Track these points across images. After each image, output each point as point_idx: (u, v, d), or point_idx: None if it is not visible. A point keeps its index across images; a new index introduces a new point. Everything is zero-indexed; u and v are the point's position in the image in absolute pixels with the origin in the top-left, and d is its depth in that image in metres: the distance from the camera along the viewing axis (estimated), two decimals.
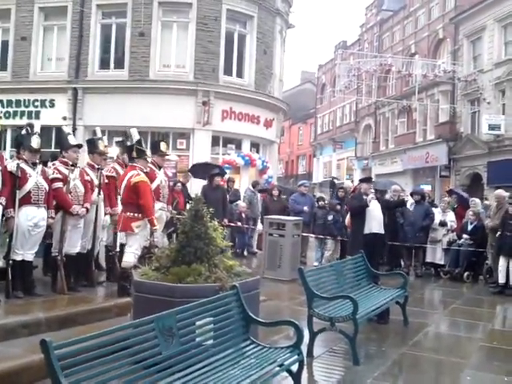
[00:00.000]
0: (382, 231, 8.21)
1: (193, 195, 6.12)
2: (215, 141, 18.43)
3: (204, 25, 18.03)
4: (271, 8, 20.09)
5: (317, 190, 31.94)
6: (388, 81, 34.91)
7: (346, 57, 33.51)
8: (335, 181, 17.66)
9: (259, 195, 13.96)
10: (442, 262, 11.14)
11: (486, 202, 13.44)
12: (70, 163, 6.81)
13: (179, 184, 11.88)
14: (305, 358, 4.41)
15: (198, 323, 3.88)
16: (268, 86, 20.15)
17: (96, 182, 7.20)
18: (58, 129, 9.67)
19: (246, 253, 13.02)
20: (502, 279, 9.39)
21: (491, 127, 23.45)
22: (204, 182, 12.37)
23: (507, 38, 24.21)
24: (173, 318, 3.60)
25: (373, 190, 8.61)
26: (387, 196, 10.31)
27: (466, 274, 10.62)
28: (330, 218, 11.46)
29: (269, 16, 20.09)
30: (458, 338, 6.64)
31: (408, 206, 11.60)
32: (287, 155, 54.88)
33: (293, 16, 23.15)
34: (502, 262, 9.48)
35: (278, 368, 3.90)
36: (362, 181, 9.45)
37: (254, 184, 14.21)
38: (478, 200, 11.97)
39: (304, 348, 4.60)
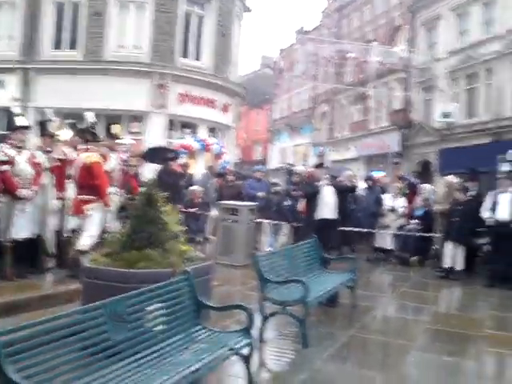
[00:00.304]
0: (334, 217, 8.37)
1: (146, 180, 6.09)
2: (171, 125, 18.24)
3: (161, 5, 17.74)
4: None
5: (272, 176, 32.06)
6: (344, 67, 35.23)
7: (305, 42, 33.59)
8: (290, 167, 17.78)
9: (214, 180, 13.94)
10: (391, 247, 11.42)
11: (433, 187, 13.80)
12: (18, 145, 6.65)
13: (133, 168, 11.72)
14: (256, 342, 4.48)
15: (148, 309, 3.88)
16: (226, 70, 20.04)
17: (46, 165, 7.05)
18: (6, 110, 9.40)
19: (199, 238, 13.01)
20: (447, 264, 9.70)
21: (444, 115, 24.05)
22: (159, 167, 12.24)
23: (462, 27, 24.71)
24: (122, 304, 3.58)
25: (327, 176, 8.76)
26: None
27: (414, 258, 10.94)
28: (286, 203, 11.57)
29: None
30: (405, 320, 6.85)
31: (361, 192, 11.83)
32: (243, 140, 54.81)
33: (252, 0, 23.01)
34: (448, 245, 9.80)
35: (228, 352, 3.94)
36: (315, 167, 9.59)
37: (209, 169, 14.16)
38: (427, 186, 12.31)
39: (255, 332, 4.67)
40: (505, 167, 15.84)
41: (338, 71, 35.42)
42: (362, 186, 12.36)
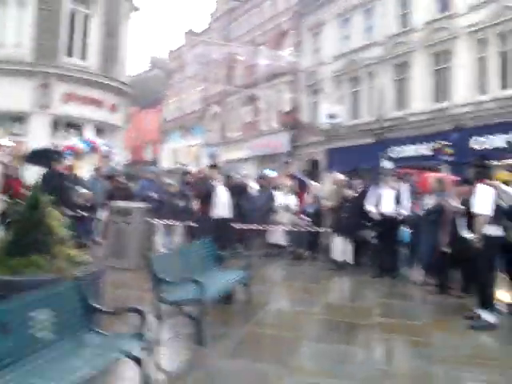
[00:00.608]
0: (229, 215, 8.43)
1: (31, 183, 5.77)
2: (55, 125, 17.44)
3: (44, 2, 16.89)
4: None
5: (166, 177, 31.59)
6: (235, 70, 35.62)
7: (196, 44, 33.55)
8: (184, 167, 17.69)
9: (103, 182, 13.49)
10: (284, 243, 11.70)
11: (322, 185, 14.34)
12: None
13: (15, 171, 11.05)
14: (152, 344, 4.39)
15: (35, 316, 3.67)
16: (113, 70, 19.49)
17: None
18: None
19: (88, 242, 12.58)
20: (338, 257, 10.11)
21: (329, 116, 25.10)
22: (43, 169, 11.64)
23: (345, 32, 25.85)
24: (6, 312, 3.38)
25: (220, 176, 8.81)
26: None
27: (306, 253, 11.30)
28: (182, 203, 11.49)
29: None
30: (298, 313, 7.01)
31: (254, 190, 12.01)
32: (134, 141, 53.71)
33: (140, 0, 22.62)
34: (338, 240, 10.21)
35: (120, 355, 3.83)
36: (209, 167, 9.61)
37: (96, 170, 13.64)
38: (316, 184, 12.76)
39: (151, 334, 4.57)
40: (386, 164, 16.88)
41: (229, 73, 35.73)
42: (254, 185, 12.53)
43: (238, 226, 10.13)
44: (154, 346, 4.90)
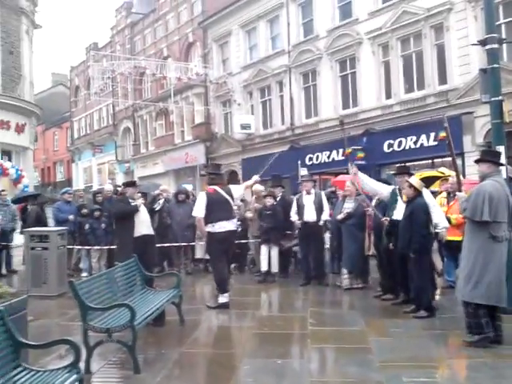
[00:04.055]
0: (152, 232, 8.24)
1: None
2: None
3: None
4: (14, 6, 18.61)
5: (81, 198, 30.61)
6: (143, 84, 35.12)
7: (99, 59, 32.77)
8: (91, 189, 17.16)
9: (13, 206, 12.79)
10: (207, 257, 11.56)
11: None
12: None
13: None
14: (83, 375, 4.17)
15: None
16: (17, 89, 18.66)
17: None
18: None
19: (3, 271, 11.91)
20: (264, 267, 10.11)
21: (242, 127, 25.31)
22: None
23: (251, 42, 26.21)
24: None
25: (139, 194, 8.57)
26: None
27: (232, 266, 11.21)
28: (87, 226, 11.12)
29: (12, 15, 18.62)
30: (233, 329, 6.95)
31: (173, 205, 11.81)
32: (43, 162, 51.63)
33: (40, 16, 21.88)
34: (263, 250, 10.23)
35: None
36: (127, 185, 9.30)
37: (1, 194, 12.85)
38: None
39: (82, 364, 4.36)
40: (303, 171, 17.19)
41: (137, 87, 35.14)
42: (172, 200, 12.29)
43: (161, 244, 9.91)
44: (86, 377, 4.69)
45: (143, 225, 8.11)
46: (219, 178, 8.50)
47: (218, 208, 7.81)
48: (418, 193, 7.02)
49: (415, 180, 7.21)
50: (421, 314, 6.83)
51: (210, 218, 7.81)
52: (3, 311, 3.97)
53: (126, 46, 37.43)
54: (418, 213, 6.86)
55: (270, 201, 10.34)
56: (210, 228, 7.84)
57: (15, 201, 13.14)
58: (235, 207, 11.67)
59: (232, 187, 8.39)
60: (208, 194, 8.01)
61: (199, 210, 7.92)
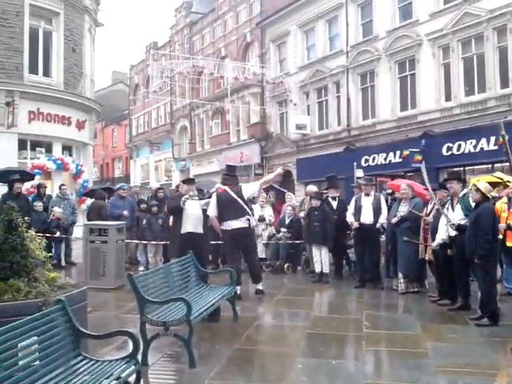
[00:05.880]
0: (199, 230, 8.34)
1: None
2: (22, 144, 17.10)
3: (4, 20, 16.63)
4: (78, 5, 19.20)
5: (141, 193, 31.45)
6: (201, 83, 35.51)
7: (158, 58, 33.36)
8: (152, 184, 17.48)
9: (73, 200, 13.20)
10: (263, 256, 11.58)
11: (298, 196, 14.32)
12: None
13: None
14: (141, 367, 4.23)
15: (21, 344, 3.47)
16: (78, 86, 19.23)
17: None
18: None
19: (63, 263, 12.27)
20: (317, 268, 10.02)
21: (298, 127, 25.18)
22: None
23: (309, 42, 26.06)
24: None
25: (193, 192, 8.68)
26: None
27: (286, 265, 11.19)
28: (144, 221, 11.32)
29: (76, 13, 19.21)
30: (286, 328, 6.92)
31: None
32: (102, 158, 53.05)
33: (102, 14, 22.49)
34: (314, 251, 10.14)
35: (115, 381, 3.66)
36: (183, 182, 9.46)
37: (60, 189, 13.26)
38: (292, 194, 12.70)
39: (139, 356, 4.41)
40: (359, 173, 16.97)
41: (195, 86, 35.58)
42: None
43: (215, 241, 9.98)
44: (143, 368, 4.75)
45: (189, 222, 8.27)
46: (232, 179, 8.69)
47: (225, 208, 8.21)
48: (485, 198, 6.79)
49: (483, 184, 6.96)
50: (483, 321, 6.61)
51: (220, 216, 8.29)
52: (64, 301, 4.07)
53: (185, 46, 37.96)
54: (485, 218, 6.63)
55: (316, 202, 10.18)
56: (222, 226, 8.31)
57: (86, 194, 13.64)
58: (288, 207, 11.67)
59: (244, 186, 8.78)
60: (218, 194, 8.52)
61: (212, 210, 8.33)
